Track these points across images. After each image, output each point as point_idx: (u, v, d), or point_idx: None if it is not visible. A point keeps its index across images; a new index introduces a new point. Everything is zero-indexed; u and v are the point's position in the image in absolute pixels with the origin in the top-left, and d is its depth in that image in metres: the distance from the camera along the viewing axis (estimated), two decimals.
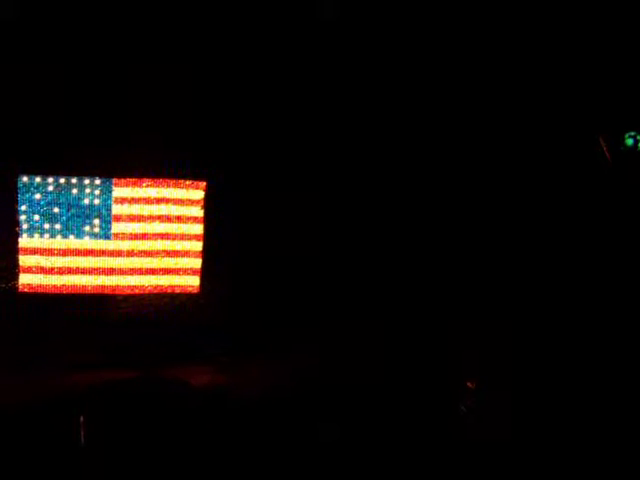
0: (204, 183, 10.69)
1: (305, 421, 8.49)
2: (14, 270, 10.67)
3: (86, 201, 10.60)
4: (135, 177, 10.50)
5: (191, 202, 10.88)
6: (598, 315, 10.00)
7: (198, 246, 10.86)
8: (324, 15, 9.45)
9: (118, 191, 10.61)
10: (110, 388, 8.95)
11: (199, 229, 10.84)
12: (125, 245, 10.72)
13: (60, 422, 8.10)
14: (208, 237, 10.75)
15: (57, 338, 10.18)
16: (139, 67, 10.70)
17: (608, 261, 10.23)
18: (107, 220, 10.66)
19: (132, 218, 10.81)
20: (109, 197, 10.66)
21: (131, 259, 10.81)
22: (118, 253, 10.71)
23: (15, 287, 10.59)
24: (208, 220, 10.73)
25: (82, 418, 8.05)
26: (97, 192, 10.63)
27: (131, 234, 10.64)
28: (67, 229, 10.61)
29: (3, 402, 8.71)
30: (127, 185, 10.57)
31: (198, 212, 10.82)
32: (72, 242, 10.63)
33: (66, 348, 10.09)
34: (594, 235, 10.31)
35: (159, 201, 10.76)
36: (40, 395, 8.86)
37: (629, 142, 10.14)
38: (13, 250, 10.59)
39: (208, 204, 10.73)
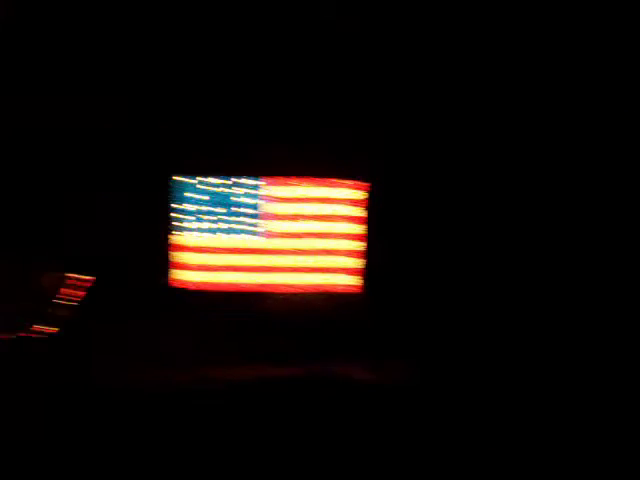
0: (366, 183, 10.60)
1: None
2: (169, 268, 10.97)
3: (237, 200, 10.65)
4: (291, 177, 10.53)
5: (353, 202, 10.63)
6: None
7: (359, 246, 10.71)
8: None
9: (272, 190, 10.57)
10: (276, 385, 9.00)
11: (360, 229, 10.68)
12: (278, 243, 10.64)
13: (227, 414, 8.15)
14: (369, 237, 10.66)
15: (216, 334, 10.37)
16: (301, 69, 10.82)
17: None
18: (258, 219, 10.61)
19: (284, 217, 10.62)
20: (262, 196, 10.55)
21: (284, 257, 10.68)
22: (270, 251, 10.65)
23: (168, 283, 10.85)
24: (369, 220, 10.63)
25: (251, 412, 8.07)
26: (250, 191, 10.56)
27: (284, 232, 10.60)
28: (218, 227, 10.61)
29: (163, 392, 8.92)
30: (282, 184, 10.53)
31: (360, 212, 10.66)
32: (223, 240, 10.66)
33: (224, 344, 10.29)
34: None
35: (315, 200, 10.60)
36: (204, 388, 8.98)
37: None
38: (167, 247, 10.91)
39: (370, 204, 10.63)
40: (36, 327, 9.80)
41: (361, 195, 10.66)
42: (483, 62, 10.39)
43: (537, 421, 8.51)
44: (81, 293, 10.33)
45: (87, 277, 10.37)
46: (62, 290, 10.26)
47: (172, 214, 10.63)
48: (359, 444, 7.79)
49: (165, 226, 10.68)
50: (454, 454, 7.95)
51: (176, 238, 10.67)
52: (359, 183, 10.61)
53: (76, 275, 10.38)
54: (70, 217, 10.58)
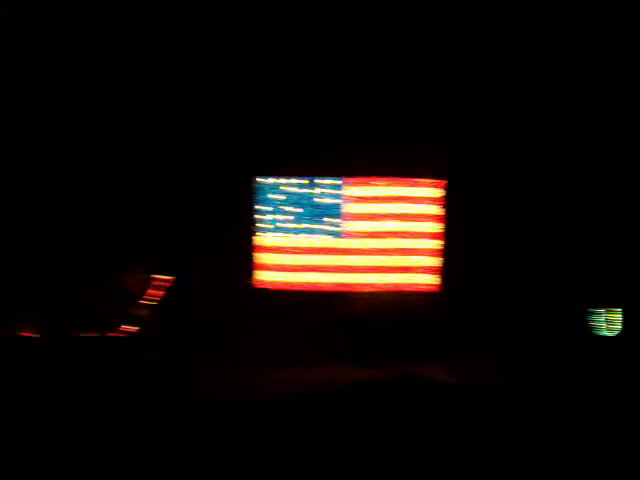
0: (443, 181, 10.66)
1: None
2: (251, 267, 11.15)
3: (319, 200, 10.83)
4: (370, 176, 10.66)
5: (429, 200, 10.67)
6: None
7: (436, 244, 10.75)
8: None
9: (352, 190, 10.70)
10: (360, 387, 9.01)
11: (437, 227, 10.71)
12: (358, 243, 10.72)
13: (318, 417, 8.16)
14: (446, 236, 10.69)
15: (295, 335, 10.48)
16: (374, 69, 10.90)
17: None
18: (339, 219, 10.73)
19: (364, 216, 10.73)
20: (343, 196, 10.71)
21: (364, 257, 10.74)
22: (351, 251, 10.75)
23: (252, 284, 11.05)
24: (446, 218, 10.67)
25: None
26: (331, 191, 10.72)
27: (364, 232, 10.68)
28: (300, 228, 10.81)
29: (251, 395, 9.01)
30: (362, 184, 10.66)
31: (436, 210, 10.72)
32: (305, 240, 10.83)
33: (306, 344, 10.35)
34: None
35: (395, 199, 10.64)
36: (288, 390, 9.03)
37: None
38: (251, 248, 11.09)
39: (446, 202, 10.66)
40: (124, 327, 10.04)
41: (438, 193, 10.65)
42: (560, 63, 10.32)
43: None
44: (162, 293, 10.53)
45: (168, 277, 10.57)
46: (148, 291, 10.50)
47: (255, 215, 10.80)
48: (444, 446, 7.74)
49: (248, 227, 10.86)
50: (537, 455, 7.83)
51: (259, 239, 10.84)
52: (436, 181, 10.61)
53: (160, 276, 10.61)
54: (157, 220, 10.82)
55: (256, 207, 10.83)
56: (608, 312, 11.25)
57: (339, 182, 10.78)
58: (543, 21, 10.18)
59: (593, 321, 11.20)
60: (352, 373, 9.58)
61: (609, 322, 11.32)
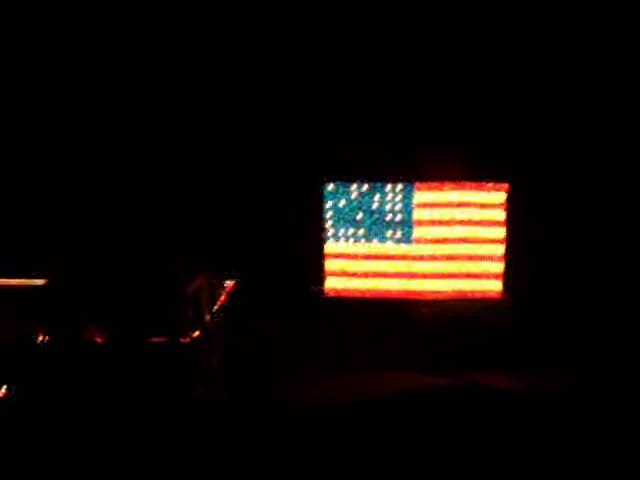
0: (506, 185, 10.59)
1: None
2: (321, 274, 11.09)
3: (388, 206, 10.84)
4: (436, 181, 10.66)
5: (493, 205, 10.62)
6: None
7: (500, 250, 10.68)
8: None
9: (419, 196, 10.70)
10: (425, 396, 8.90)
11: (501, 232, 10.65)
12: (427, 249, 10.72)
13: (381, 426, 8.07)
14: (510, 241, 10.61)
15: (362, 341, 10.41)
16: (443, 74, 10.81)
17: None
18: (409, 225, 10.74)
19: (433, 222, 10.72)
20: (410, 202, 10.72)
21: (432, 263, 10.75)
22: (420, 257, 10.75)
23: (322, 291, 11.06)
24: (510, 223, 10.59)
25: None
26: (399, 197, 10.74)
27: (432, 238, 10.69)
28: (370, 234, 10.85)
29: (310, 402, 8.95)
30: (428, 189, 10.66)
31: (500, 215, 10.63)
32: (374, 247, 10.87)
33: (371, 351, 10.32)
34: None
35: (460, 205, 10.64)
36: (354, 397, 8.95)
37: None
38: (320, 255, 11.05)
39: (510, 206, 10.58)
40: (192, 332, 10.02)
41: (502, 197, 10.55)
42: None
43: None
44: (224, 298, 10.51)
45: (232, 283, 10.53)
46: (215, 296, 10.48)
47: (324, 221, 10.77)
48: (506, 455, 7.59)
49: (317, 233, 10.83)
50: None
51: (328, 246, 10.81)
52: (499, 184, 10.54)
53: (228, 281, 10.58)
54: (227, 227, 10.92)
55: (325, 213, 10.76)
56: None
57: (410, 187, 10.71)
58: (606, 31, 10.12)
59: None
60: (417, 381, 9.45)
61: None
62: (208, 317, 10.38)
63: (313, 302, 10.81)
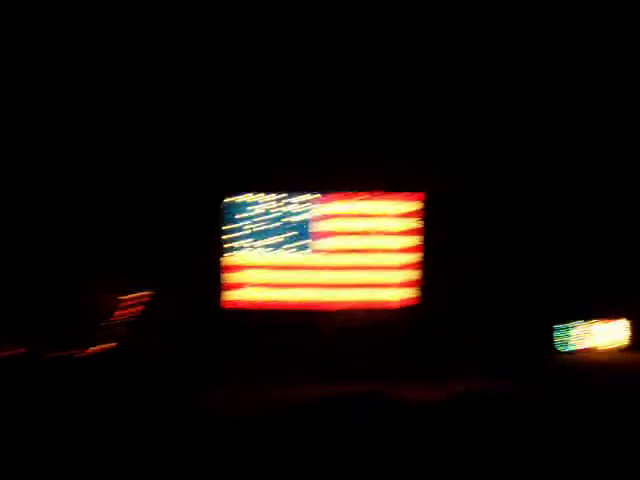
0: (419, 194, 10.64)
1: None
2: (220, 286, 10.98)
3: (293, 217, 10.75)
4: (339, 192, 10.68)
5: (401, 215, 10.69)
6: None
7: (409, 259, 10.72)
8: None
9: (322, 207, 10.67)
10: (311, 406, 8.82)
11: (409, 241, 10.70)
12: (330, 260, 10.69)
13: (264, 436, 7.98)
14: (420, 250, 10.67)
15: (267, 353, 10.33)
16: (344, 83, 10.91)
17: None
18: (312, 235, 10.69)
19: (339, 233, 10.69)
20: (313, 213, 10.67)
21: (337, 273, 10.71)
22: (325, 268, 10.71)
23: (221, 303, 10.88)
24: (422, 233, 10.66)
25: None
26: (304, 208, 10.68)
27: (338, 249, 10.66)
28: (272, 245, 10.72)
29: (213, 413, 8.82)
30: (331, 200, 10.64)
31: (409, 224, 10.70)
32: (277, 258, 10.75)
33: (272, 362, 10.22)
34: None
35: (366, 215, 10.66)
36: (248, 409, 8.84)
37: None
38: (223, 267, 10.92)
39: (422, 217, 10.66)
40: (93, 345, 9.89)
41: (415, 206, 10.66)
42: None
43: None
44: (133, 311, 10.41)
45: (140, 296, 10.44)
46: (118, 309, 10.37)
47: (225, 234, 10.71)
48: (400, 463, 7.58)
49: (219, 245, 10.76)
50: None
51: (229, 257, 10.74)
52: (413, 194, 10.64)
53: (130, 295, 10.47)
54: (125, 240, 10.70)
55: (227, 224, 10.72)
56: (571, 327, 11.48)
57: (313, 198, 10.73)
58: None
59: (559, 336, 11.40)
60: (321, 391, 9.35)
61: (572, 337, 11.55)
62: (122, 328, 10.32)
63: (216, 314, 10.73)
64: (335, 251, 10.78)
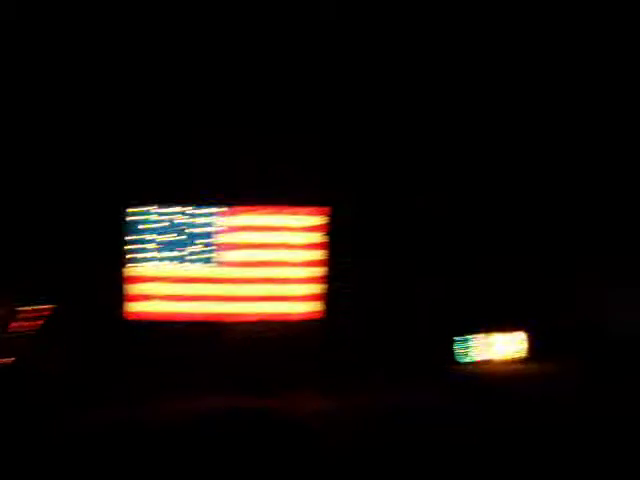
0: (323, 209, 10.76)
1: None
2: (126, 298, 10.80)
3: (194, 230, 10.69)
4: (244, 205, 10.68)
5: (305, 228, 10.77)
6: None
7: (310, 273, 10.81)
8: None
9: (226, 219, 10.66)
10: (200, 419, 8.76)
11: (311, 255, 10.81)
12: (233, 272, 10.67)
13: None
14: (325, 264, 10.76)
15: (170, 366, 10.20)
16: (251, 94, 10.95)
17: None
18: (215, 248, 10.65)
19: (243, 245, 10.68)
20: (217, 225, 10.63)
21: (240, 286, 10.69)
22: (229, 280, 10.68)
23: (124, 315, 10.72)
24: (322, 246, 10.76)
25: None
26: (207, 220, 10.62)
27: (242, 261, 10.64)
28: (174, 257, 10.64)
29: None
30: (235, 213, 10.65)
31: (312, 238, 10.80)
32: (179, 270, 10.66)
33: (176, 374, 10.09)
34: None
35: (268, 228, 10.69)
36: (159, 423, 8.73)
37: None
38: (126, 278, 10.76)
39: (327, 230, 10.75)
40: None
41: (321, 220, 10.76)
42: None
43: None
44: (33, 324, 10.16)
45: (42, 308, 10.21)
46: (14, 323, 10.11)
47: (128, 245, 10.56)
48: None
49: (123, 257, 10.61)
50: None
51: (132, 269, 10.60)
52: (318, 208, 10.73)
53: (30, 307, 10.23)
54: (24, 250, 10.44)
55: (131, 236, 10.57)
56: (471, 339, 11.79)
57: (217, 210, 10.70)
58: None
59: (459, 348, 11.68)
60: (224, 404, 9.30)
61: (470, 349, 11.86)
62: (14, 343, 10.10)
63: (118, 327, 10.56)
64: (240, 264, 10.75)
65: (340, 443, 8.01)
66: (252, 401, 9.36)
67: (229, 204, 10.70)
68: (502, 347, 11.86)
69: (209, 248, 10.74)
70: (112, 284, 10.62)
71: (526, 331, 11.54)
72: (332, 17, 10.18)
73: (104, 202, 10.60)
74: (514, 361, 11.68)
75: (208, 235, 10.74)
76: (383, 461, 7.60)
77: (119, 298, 10.70)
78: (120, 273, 10.64)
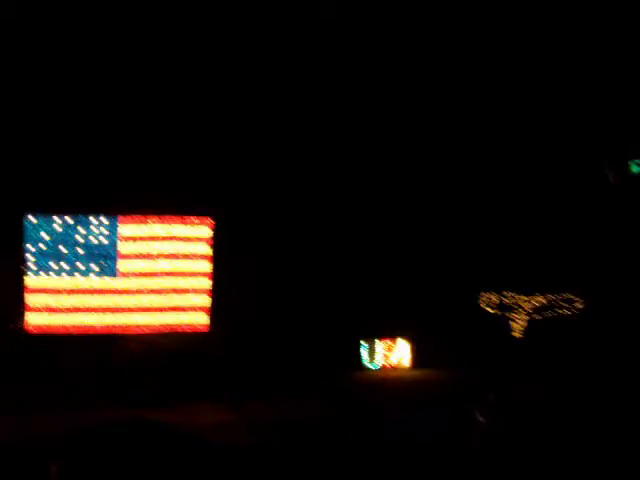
0: (211, 219, 10.88)
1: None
2: (21, 310, 10.68)
3: (92, 239, 10.66)
4: (140, 214, 10.69)
5: (198, 239, 10.87)
6: None
7: (206, 283, 10.92)
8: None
9: (123, 229, 10.67)
10: (88, 434, 8.62)
11: (207, 266, 10.91)
12: (132, 283, 10.73)
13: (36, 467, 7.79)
14: (216, 274, 10.86)
15: (64, 377, 10.11)
16: (145, 108, 10.93)
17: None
18: (113, 258, 10.65)
19: (138, 256, 10.72)
20: (115, 235, 10.64)
21: (138, 297, 10.73)
22: (125, 291, 10.69)
23: (22, 327, 10.63)
24: (216, 256, 10.84)
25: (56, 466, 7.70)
26: (102, 230, 10.62)
27: (138, 272, 10.69)
28: (74, 268, 10.62)
29: None
30: (132, 222, 10.68)
31: (206, 249, 10.89)
32: (79, 281, 10.62)
33: (70, 388, 10.04)
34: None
35: (166, 238, 10.74)
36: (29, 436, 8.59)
37: (635, 169, 10.28)
38: (20, 289, 10.64)
39: (216, 240, 10.85)
40: None
41: (207, 231, 10.77)
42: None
43: None
44: None
45: None
46: None
47: (25, 254, 10.45)
48: None
49: (17, 267, 10.48)
50: None
51: (30, 280, 10.50)
52: (205, 219, 10.77)
53: None
54: None
55: (25, 245, 10.45)
56: (376, 345, 11.88)
57: (113, 220, 10.63)
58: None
59: (364, 353, 11.78)
60: (117, 415, 9.19)
61: (376, 354, 11.96)
62: None
63: (14, 340, 10.45)
64: (137, 274, 10.71)
65: (242, 455, 8.01)
66: (151, 413, 9.31)
67: (120, 212, 10.65)
68: (406, 353, 12.01)
69: (107, 258, 10.65)
70: (9, 295, 10.51)
71: (428, 337, 11.66)
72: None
73: (2, 210, 10.46)
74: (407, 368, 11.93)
75: (106, 245, 10.66)
76: (282, 471, 7.61)
77: (17, 309, 10.59)
78: (18, 284, 10.52)
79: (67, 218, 10.60)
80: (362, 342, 11.91)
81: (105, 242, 10.65)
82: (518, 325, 12.27)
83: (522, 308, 12.29)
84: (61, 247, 10.62)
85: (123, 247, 10.56)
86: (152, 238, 10.64)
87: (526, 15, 11.01)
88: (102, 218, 10.60)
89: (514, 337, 12.29)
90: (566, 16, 10.87)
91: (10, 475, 7.52)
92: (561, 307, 12.21)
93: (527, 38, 11.00)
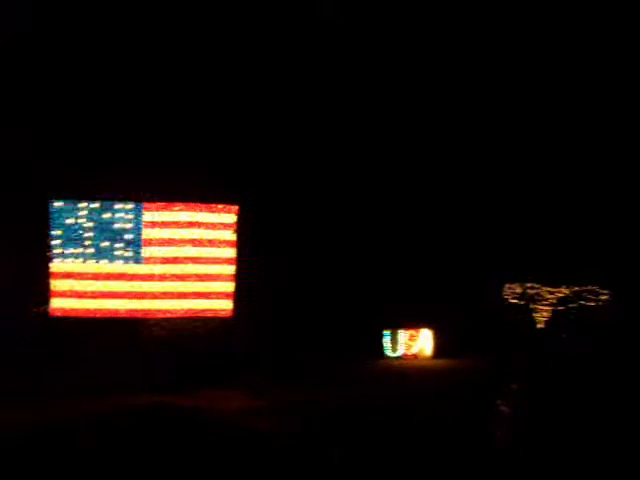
0: (236, 207, 10.94)
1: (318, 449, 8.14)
2: (47, 294, 10.79)
3: (117, 225, 10.78)
4: (166, 201, 10.79)
5: (223, 225, 10.91)
6: None
7: (230, 270, 11.00)
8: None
9: (149, 215, 10.77)
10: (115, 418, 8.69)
11: (231, 253, 10.97)
12: (156, 269, 10.79)
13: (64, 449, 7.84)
14: (241, 261, 10.94)
15: (92, 363, 10.18)
16: (170, 95, 10.96)
17: None
18: (138, 244, 10.75)
19: (163, 242, 10.80)
20: (140, 221, 10.73)
21: (163, 283, 10.80)
22: (150, 277, 10.79)
23: (47, 311, 10.77)
24: (240, 243, 10.91)
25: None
26: (128, 216, 10.74)
27: (162, 258, 10.75)
28: (99, 253, 10.70)
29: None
30: (158, 209, 10.75)
31: (230, 236, 10.95)
32: (104, 266, 10.71)
33: (97, 372, 10.13)
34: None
35: (190, 225, 10.79)
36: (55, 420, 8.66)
37: None
38: (46, 274, 10.75)
39: (240, 227, 10.89)
40: None
41: (232, 218, 10.80)
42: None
43: None
44: None
45: None
46: None
47: (50, 240, 10.53)
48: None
49: (43, 252, 10.56)
50: None
51: (55, 265, 10.58)
52: (229, 206, 10.78)
53: None
54: None
55: (52, 231, 10.53)
56: (398, 334, 11.93)
57: (138, 206, 10.69)
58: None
59: (386, 342, 11.83)
60: (145, 400, 9.26)
61: (399, 343, 12.02)
62: None
63: (40, 323, 10.55)
64: (162, 260, 10.78)
65: (267, 441, 8.03)
66: (175, 399, 9.37)
67: (147, 199, 10.69)
68: (428, 342, 12.04)
69: (133, 244, 10.72)
70: (36, 279, 10.60)
71: (450, 327, 11.68)
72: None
73: (29, 196, 10.55)
74: (429, 357, 11.97)
75: (132, 231, 10.72)
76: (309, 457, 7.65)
77: (43, 294, 10.67)
78: (44, 269, 10.60)
79: (93, 204, 10.59)
80: (385, 331, 11.91)
81: (130, 228, 10.67)
82: (541, 316, 12.26)
83: (546, 299, 12.30)
84: (87, 233, 10.64)
85: (148, 233, 10.59)
86: (177, 224, 10.64)
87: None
88: (127, 204, 10.58)
89: (537, 328, 12.26)
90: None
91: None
92: (587, 299, 12.19)
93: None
